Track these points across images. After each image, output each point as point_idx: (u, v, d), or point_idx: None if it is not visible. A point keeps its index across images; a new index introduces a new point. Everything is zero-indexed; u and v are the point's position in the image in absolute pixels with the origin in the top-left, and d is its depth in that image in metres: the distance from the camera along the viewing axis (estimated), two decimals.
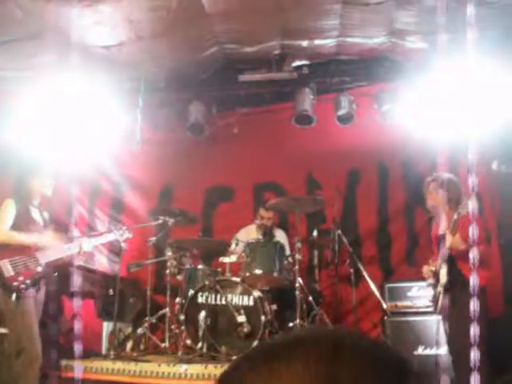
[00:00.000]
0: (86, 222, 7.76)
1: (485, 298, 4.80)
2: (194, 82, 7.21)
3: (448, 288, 4.92)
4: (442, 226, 5.25)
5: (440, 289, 5.03)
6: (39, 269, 4.87)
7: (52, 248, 5.01)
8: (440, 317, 5.19)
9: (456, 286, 4.84)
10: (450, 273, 4.92)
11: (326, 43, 6.43)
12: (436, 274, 5.14)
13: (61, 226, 5.89)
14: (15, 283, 4.71)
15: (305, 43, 6.42)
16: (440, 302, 5.04)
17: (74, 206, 7.29)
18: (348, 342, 0.67)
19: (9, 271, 4.72)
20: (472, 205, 4.55)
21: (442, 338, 5.25)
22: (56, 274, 5.24)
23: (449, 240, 4.93)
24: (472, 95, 5.37)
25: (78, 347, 4.28)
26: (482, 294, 4.64)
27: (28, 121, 6.19)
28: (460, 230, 4.82)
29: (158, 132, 7.64)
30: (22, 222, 4.93)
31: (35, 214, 5.10)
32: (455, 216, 4.83)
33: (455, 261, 4.94)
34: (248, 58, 6.73)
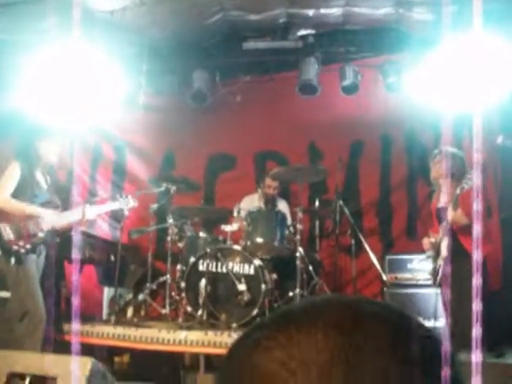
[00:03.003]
0: (87, 188, 7.76)
1: (485, 272, 4.83)
2: (198, 49, 7.16)
3: (449, 261, 4.94)
4: (443, 198, 5.27)
5: (440, 262, 5.07)
6: (40, 234, 4.88)
7: (54, 214, 5.02)
8: (438, 289, 5.25)
9: (457, 260, 4.81)
10: (450, 246, 4.95)
11: (332, 12, 6.35)
12: (437, 247, 5.17)
13: (63, 192, 5.88)
14: (15, 247, 4.72)
15: (311, 12, 6.34)
16: (440, 275, 5.08)
17: (76, 172, 7.29)
18: (369, 311, 0.65)
19: (8, 235, 4.73)
20: (475, 179, 4.55)
21: (440, 310, 5.30)
22: (58, 240, 5.25)
23: (450, 214, 4.94)
24: (478, 68, 5.33)
25: (76, 312, 4.32)
26: (482, 267, 4.67)
27: (31, 85, 6.15)
28: (462, 204, 4.84)
29: (160, 98, 7.62)
30: (27, 185, 4.92)
31: (40, 177, 5.09)
32: (457, 191, 4.83)
33: (456, 235, 4.96)
34: (253, 26, 6.65)
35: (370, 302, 0.68)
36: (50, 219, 4.94)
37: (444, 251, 5.02)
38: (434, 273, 5.20)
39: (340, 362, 0.59)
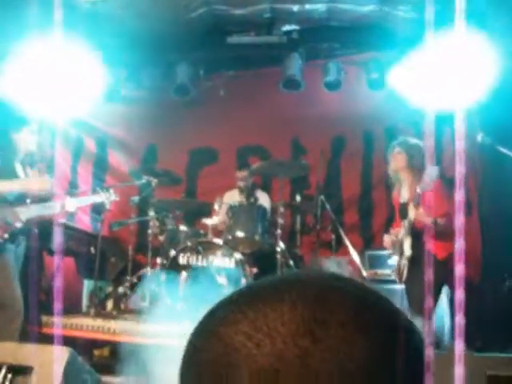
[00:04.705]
0: (68, 180, 7.72)
1: (448, 271, 4.77)
2: (182, 42, 7.12)
3: (413, 261, 4.84)
4: (404, 193, 5.14)
5: (405, 261, 4.95)
6: (18, 224, 4.82)
7: (34, 205, 4.97)
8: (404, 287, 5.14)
9: (421, 260, 4.64)
10: (414, 246, 4.84)
11: (317, 8, 6.37)
12: (398, 245, 5.06)
13: None
14: None
15: (295, 7, 6.35)
16: (405, 275, 4.96)
17: (57, 164, 7.24)
18: (335, 286, 0.66)
19: None
20: (458, 175, 4.50)
21: (406, 307, 5.26)
22: (36, 230, 5.21)
23: (412, 212, 4.83)
24: (460, 67, 5.37)
25: (57, 304, 4.30)
26: (444, 265, 4.53)
27: (11, 75, 6.09)
28: (424, 203, 4.70)
29: (143, 91, 7.59)
30: (5, 176, 4.87)
31: (19, 169, 5.04)
32: (418, 190, 4.69)
33: (420, 234, 4.82)
34: (237, 21, 6.65)
35: (336, 278, 0.69)
36: (29, 209, 4.88)
37: (408, 251, 4.90)
38: (399, 272, 5.06)
39: (305, 334, 0.60)
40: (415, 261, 4.80)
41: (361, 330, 0.62)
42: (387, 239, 5.22)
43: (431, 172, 4.62)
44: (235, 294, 0.69)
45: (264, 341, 0.61)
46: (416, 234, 4.85)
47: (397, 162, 5.17)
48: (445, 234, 4.60)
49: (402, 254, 5.01)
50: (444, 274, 4.50)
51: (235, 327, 0.63)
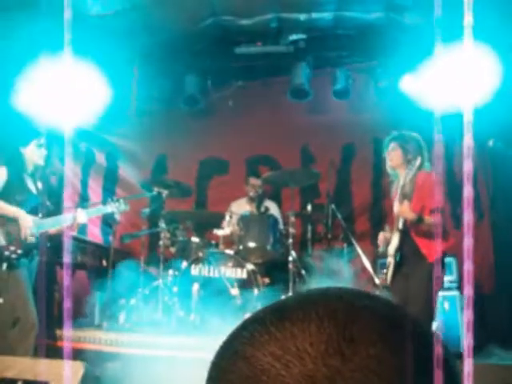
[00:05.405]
0: (78, 193, 7.75)
1: (442, 272, 4.63)
2: (190, 54, 7.16)
3: (399, 262, 4.53)
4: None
5: (390, 260, 4.60)
6: (32, 239, 4.84)
7: (47, 219, 4.98)
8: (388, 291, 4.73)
9: (409, 259, 4.48)
10: (402, 244, 4.52)
11: (324, 17, 6.38)
12: (388, 243, 4.71)
13: (54, 196, 5.85)
14: (6, 253, 4.67)
15: (302, 16, 6.37)
16: (390, 275, 4.60)
17: (67, 176, 7.26)
18: (362, 303, 0.65)
19: (0, 241, 4.69)
20: (466, 188, 4.40)
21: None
22: (49, 244, 5.21)
23: (396, 207, 4.55)
24: (468, 73, 5.36)
25: (69, 318, 4.30)
26: (438, 266, 4.40)
27: (20, 90, 6.12)
28: (416, 196, 4.44)
29: (152, 103, 7.61)
30: (15, 190, 4.88)
31: (29, 182, 5.05)
32: (401, 182, 4.48)
33: (408, 231, 4.50)
34: (244, 31, 6.66)
35: (362, 295, 0.68)
36: (43, 223, 4.90)
37: (392, 249, 4.57)
38: (386, 272, 4.69)
39: (335, 354, 0.59)
40: (402, 261, 4.53)
41: (390, 349, 0.61)
42: (381, 236, 4.87)
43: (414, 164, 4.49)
44: (260, 313, 0.68)
45: (293, 362, 0.60)
46: (405, 230, 4.51)
47: (393, 159, 4.85)
48: (435, 232, 4.31)
49: (387, 252, 4.69)
50: (437, 279, 4.38)
51: (262, 348, 0.62)
